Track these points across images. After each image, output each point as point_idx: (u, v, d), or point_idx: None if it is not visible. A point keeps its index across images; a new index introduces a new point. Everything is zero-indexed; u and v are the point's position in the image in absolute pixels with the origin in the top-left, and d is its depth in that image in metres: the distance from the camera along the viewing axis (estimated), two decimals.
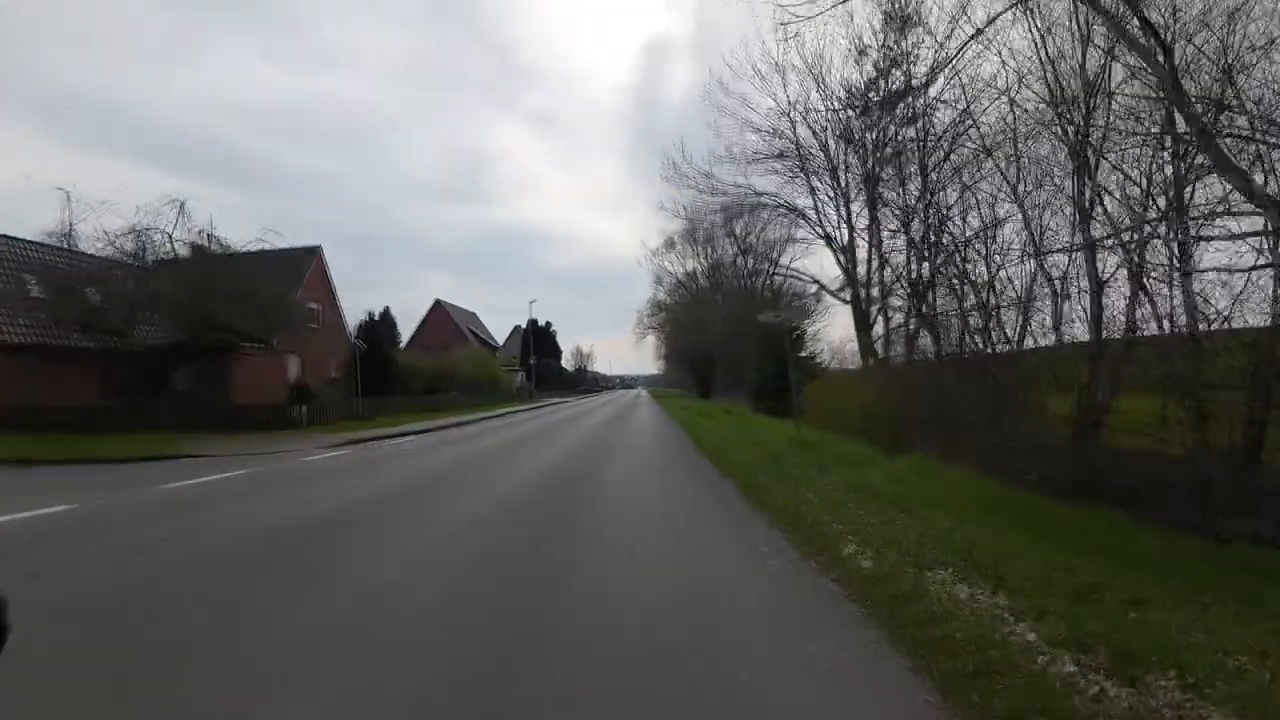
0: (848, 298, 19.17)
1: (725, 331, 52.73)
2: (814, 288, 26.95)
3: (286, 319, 22.15)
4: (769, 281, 64.78)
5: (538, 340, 68.16)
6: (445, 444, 14.83)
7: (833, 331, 67.87)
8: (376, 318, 27.74)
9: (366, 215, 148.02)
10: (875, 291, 18.98)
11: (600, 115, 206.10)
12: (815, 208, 18.97)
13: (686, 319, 57.35)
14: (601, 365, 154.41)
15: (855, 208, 18.88)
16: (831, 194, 19.01)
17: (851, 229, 19.02)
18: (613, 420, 22.08)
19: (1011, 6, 8.77)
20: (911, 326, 17.73)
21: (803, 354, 27.57)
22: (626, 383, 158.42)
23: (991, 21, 9.01)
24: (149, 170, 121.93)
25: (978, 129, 15.71)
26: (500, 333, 71.42)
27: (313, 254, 32.42)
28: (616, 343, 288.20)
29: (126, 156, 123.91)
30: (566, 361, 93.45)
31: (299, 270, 31.37)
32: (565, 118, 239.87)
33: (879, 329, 19.09)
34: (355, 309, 70.53)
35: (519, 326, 71.45)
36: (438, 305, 57.14)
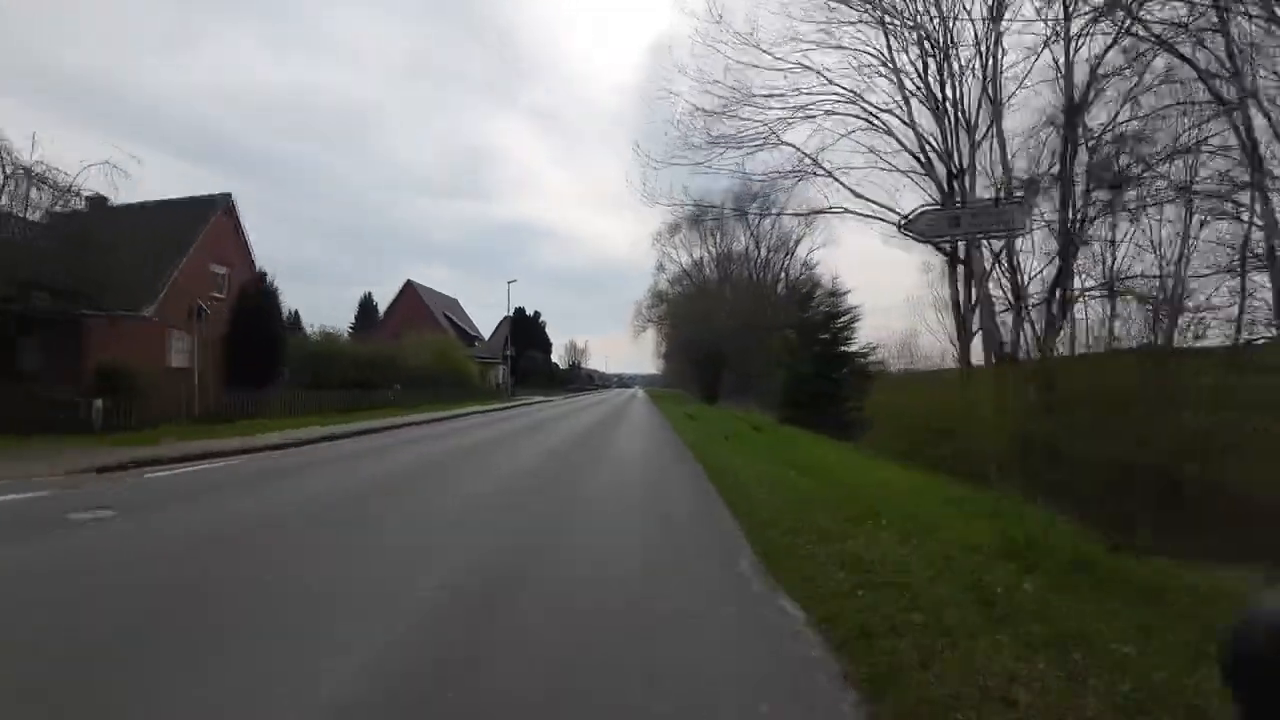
0: (948, 249, 12.25)
1: (733, 324, 45.62)
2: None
3: (103, 281, 15.32)
4: (784, 272, 57.65)
5: (524, 331, 61.02)
6: (216, 489, 7.77)
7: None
8: (269, 282, 20.55)
9: (366, 211, 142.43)
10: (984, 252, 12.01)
11: (602, 114, 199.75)
12: (903, 102, 12.01)
13: (690, 310, 50.28)
14: (598, 363, 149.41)
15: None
16: (926, 96, 12.07)
17: (953, 141, 11.98)
18: (587, 435, 15.06)
19: None
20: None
21: (851, 348, 20.53)
22: (624, 381, 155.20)
23: None
24: (152, 156, 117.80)
25: None
26: (490, 327, 64.28)
27: (218, 205, 25.37)
28: (615, 342, 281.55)
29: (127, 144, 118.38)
30: (559, 357, 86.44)
31: (195, 224, 24.39)
32: (567, 116, 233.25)
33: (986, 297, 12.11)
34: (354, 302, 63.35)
35: (507, 317, 64.35)
36: (409, 287, 50.00)
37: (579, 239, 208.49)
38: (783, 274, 56.66)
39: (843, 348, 20.25)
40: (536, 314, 64.69)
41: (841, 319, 20.34)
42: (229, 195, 25.98)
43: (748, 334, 48.19)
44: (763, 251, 56.38)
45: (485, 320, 65.55)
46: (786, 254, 55.95)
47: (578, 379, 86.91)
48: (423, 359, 29.56)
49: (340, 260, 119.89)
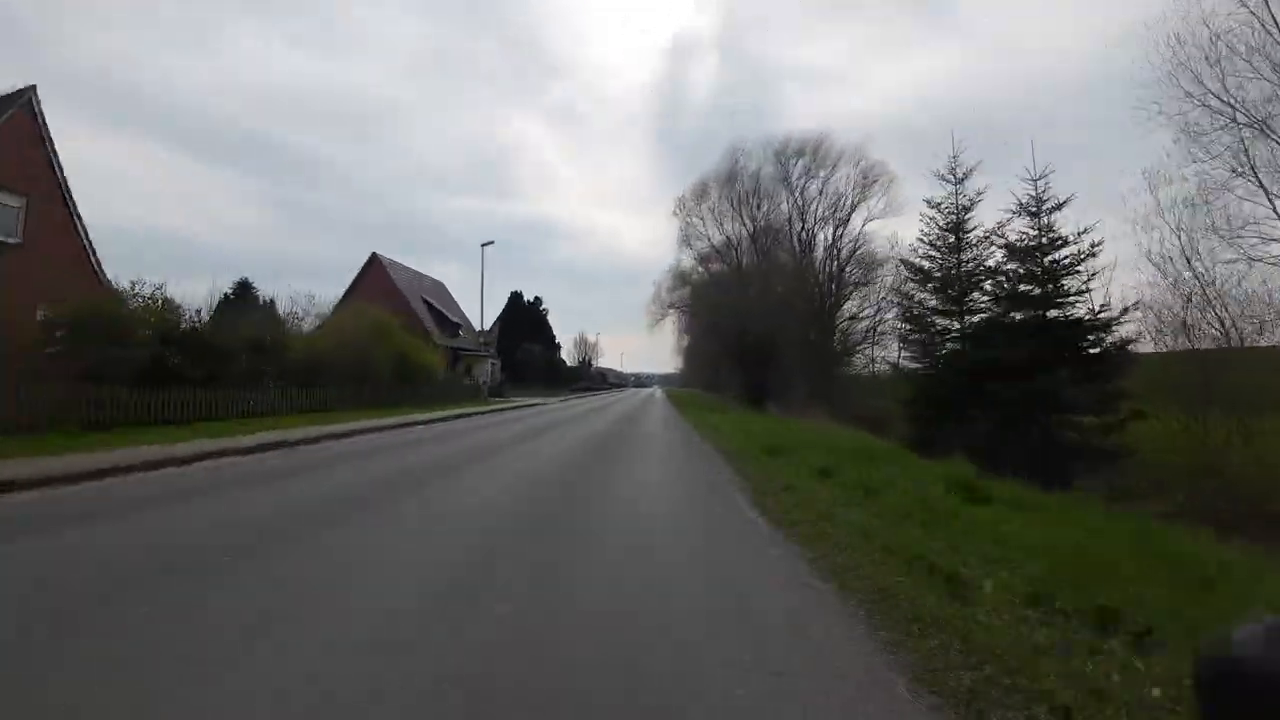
0: None
1: (768, 304, 35.24)
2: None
3: None
4: (834, 250, 47.29)
5: (520, 320, 51.76)
6: None
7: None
8: None
9: (383, 207, 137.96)
10: None
11: (622, 115, 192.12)
12: None
13: (723, 292, 40.44)
14: (612, 361, 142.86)
15: None
16: None
17: None
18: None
19: None
20: None
21: (1065, 305, 10.47)
22: (641, 381, 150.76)
23: None
24: (179, 154, 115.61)
25: None
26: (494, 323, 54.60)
27: (9, 106, 16.46)
28: (631, 341, 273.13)
29: (153, 139, 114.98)
30: (568, 354, 77.17)
31: None
32: (587, 116, 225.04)
33: None
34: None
35: (498, 316, 55.16)
36: (374, 261, 40.96)
37: (595, 238, 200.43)
38: (833, 251, 46.48)
39: (1055, 309, 10.38)
40: (537, 300, 55.08)
41: (1057, 251, 10.36)
42: (30, 89, 17.03)
43: (791, 318, 38.27)
44: (809, 221, 46.25)
45: (489, 316, 56.71)
46: (837, 225, 45.70)
47: (587, 377, 77.44)
48: (334, 342, 20.33)
49: (351, 254, 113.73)
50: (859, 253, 41.83)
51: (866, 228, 42.48)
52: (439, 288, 48.86)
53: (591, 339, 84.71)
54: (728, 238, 43.49)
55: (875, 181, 42.33)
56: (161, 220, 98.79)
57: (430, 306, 42.25)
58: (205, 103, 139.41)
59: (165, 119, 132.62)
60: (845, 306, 41.11)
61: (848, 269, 43.07)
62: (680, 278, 44.77)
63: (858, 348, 34.86)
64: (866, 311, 37.54)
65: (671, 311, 46.15)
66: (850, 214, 43.97)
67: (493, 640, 2.80)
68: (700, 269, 43.93)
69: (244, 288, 40.58)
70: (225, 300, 26.24)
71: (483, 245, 29.03)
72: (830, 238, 43.57)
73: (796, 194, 44.55)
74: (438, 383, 27.45)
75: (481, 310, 32.59)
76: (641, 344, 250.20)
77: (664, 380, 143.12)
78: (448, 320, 42.68)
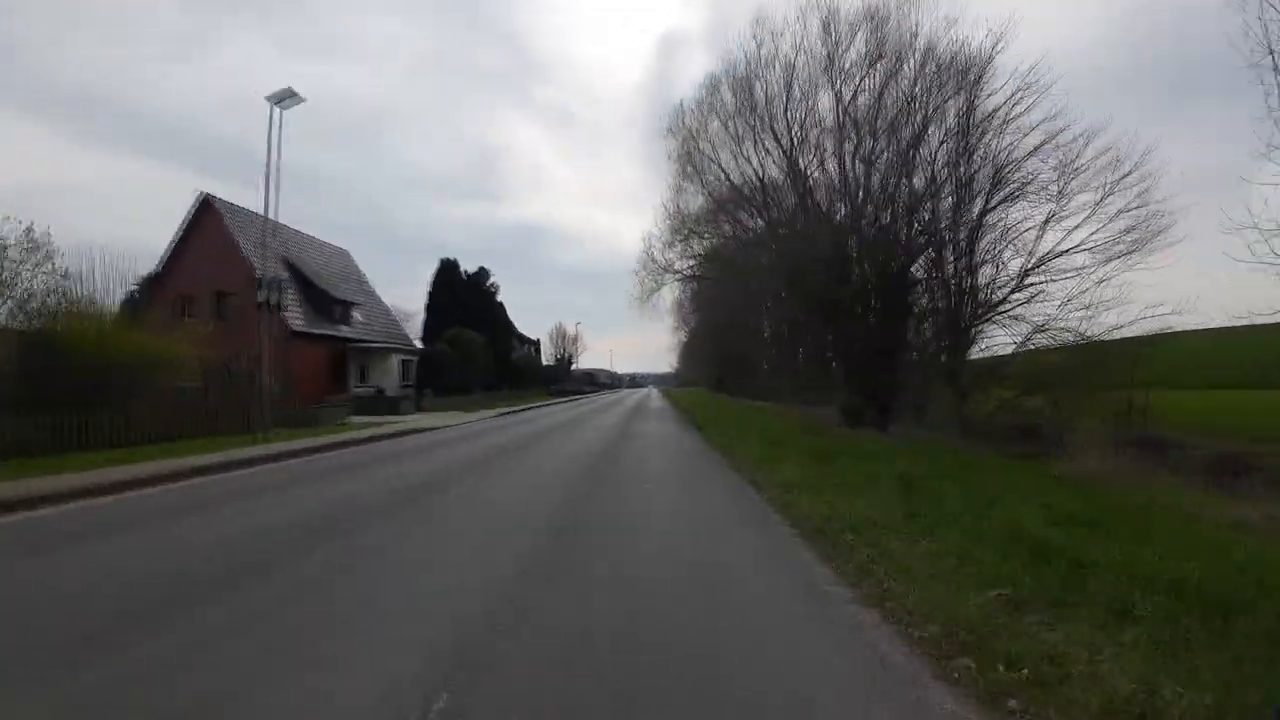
0: None
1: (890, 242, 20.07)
2: None
3: None
4: (905, 178, 33.04)
5: (455, 299, 37.16)
6: None
7: None
8: None
9: (378, 211, 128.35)
10: None
11: (615, 115, 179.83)
12: None
13: (786, 245, 25.96)
14: (600, 360, 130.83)
15: None
16: None
17: None
18: None
19: None
20: None
21: None
22: (636, 380, 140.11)
23: None
24: (170, 167, 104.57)
25: None
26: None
27: None
28: (624, 341, 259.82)
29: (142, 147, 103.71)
30: (545, 351, 62.65)
31: None
32: (579, 116, 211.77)
33: None
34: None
35: (439, 273, 40.45)
36: (207, 208, 26.29)
37: (592, 237, 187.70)
38: (903, 177, 31.97)
39: None
40: (481, 272, 40.11)
41: None
42: None
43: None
44: (865, 137, 31.68)
45: (415, 297, 42.45)
46: (914, 139, 31.12)
47: (567, 378, 62.88)
48: None
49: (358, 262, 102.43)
50: (966, 175, 27.30)
51: (951, 143, 28.09)
52: (329, 253, 33.63)
53: (571, 331, 69.92)
54: (749, 160, 28.87)
55: (968, 70, 27.99)
56: (145, 231, 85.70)
57: (298, 274, 27.76)
58: (195, 108, 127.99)
59: (154, 127, 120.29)
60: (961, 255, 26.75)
61: (925, 202, 28.71)
62: (679, 226, 29.85)
63: (992, 312, 20.35)
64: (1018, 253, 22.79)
65: (670, 279, 31.26)
66: (925, 125, 29.53)
67: None
68: (712, 211, 29.27)
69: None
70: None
71: (273, 100, 14.50)
72: (899, 154, 29.18)
73: (847, 96, 30.12)
74: (157, 391, 12.96)
75: (265, 230, 18.03)
76: (633, 343, 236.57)
77: (658, 380, 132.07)
78: (328, 297, 28.18)
